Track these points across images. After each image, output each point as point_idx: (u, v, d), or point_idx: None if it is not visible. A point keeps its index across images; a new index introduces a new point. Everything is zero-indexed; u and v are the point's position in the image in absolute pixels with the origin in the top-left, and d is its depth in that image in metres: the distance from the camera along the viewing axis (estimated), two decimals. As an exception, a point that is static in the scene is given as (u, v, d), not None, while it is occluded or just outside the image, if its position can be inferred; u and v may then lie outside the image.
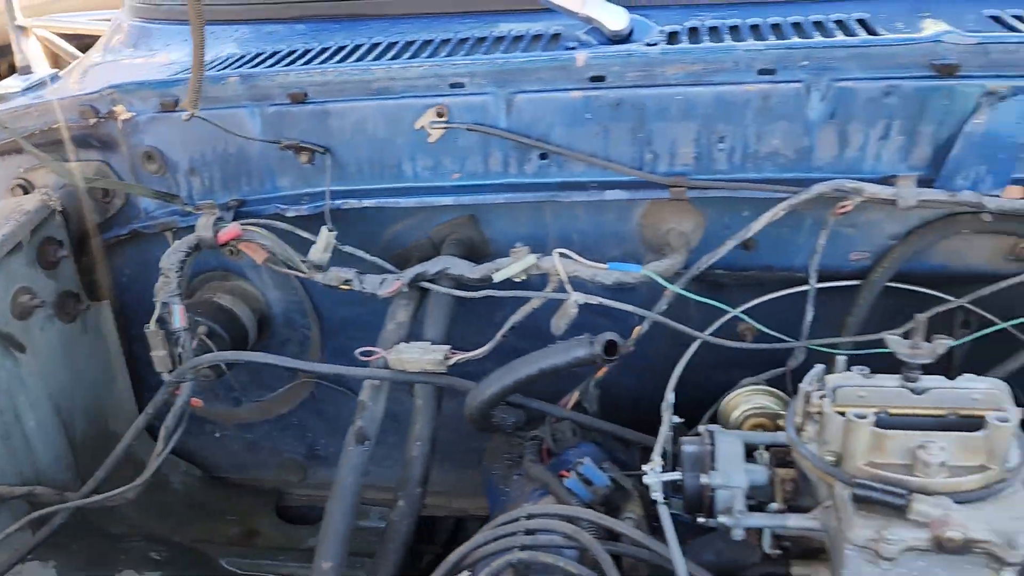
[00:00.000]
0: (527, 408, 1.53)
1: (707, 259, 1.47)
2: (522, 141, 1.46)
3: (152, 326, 1.53)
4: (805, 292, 1.46)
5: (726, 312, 1.49)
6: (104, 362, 1.83)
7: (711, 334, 1.47)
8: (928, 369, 1.10)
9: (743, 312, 1.51)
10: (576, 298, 1.45)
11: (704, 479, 1.14)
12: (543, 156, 1.48)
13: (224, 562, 1.82)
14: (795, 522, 1.11)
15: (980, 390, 1.08)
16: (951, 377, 1.23)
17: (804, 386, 1.15)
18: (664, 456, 1.18)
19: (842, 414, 1.05)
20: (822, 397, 1.10)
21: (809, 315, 1.46)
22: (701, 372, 1.39)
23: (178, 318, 1.52)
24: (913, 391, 1.09)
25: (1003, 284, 1.41)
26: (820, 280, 1.54)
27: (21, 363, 1.61)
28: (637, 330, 1.52)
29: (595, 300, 1.45)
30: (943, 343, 1.10)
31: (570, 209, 1.58)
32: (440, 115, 1.48)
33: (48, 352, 1.69)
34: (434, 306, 1.56)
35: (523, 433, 1.54)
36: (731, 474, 1.14)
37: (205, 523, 1.89)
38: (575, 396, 1.57)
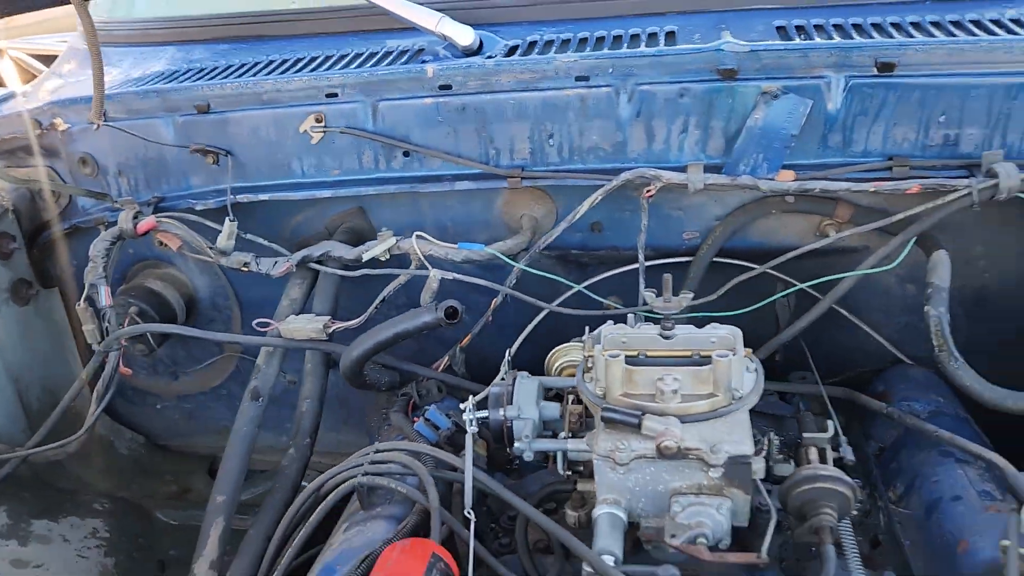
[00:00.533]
0: (400, 369, 1.79)
1: (544, 240, 1.73)
2: (386, 141, 1.73)
3: (82, 304, 1.81)
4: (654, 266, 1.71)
5: (572, 286, 1.76)
6: (56, 340, 2.11)
7: (559, 305, 1.73)
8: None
9: (585, 287, 1.78)
10: (434, 274, 1.71)
11: (503, 413, 1.40)
12: (406, 154, 1.74)
13: (160, 514, 2.09)
14: (572, 445, 1.36)
15: (718, 335, 1.33)
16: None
17: (587, 337, 1.40)
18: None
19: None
20: (595, 344, 1.36)
21: (642, 286, 1.70)
22: (563, 336, 1.65)
23: (103, 297, 1.79)
24: (665, 337, 1.34)
25: (793, 253, 1.65)
26: (660, 257, 1.80)
27: (-24, 340, 1.89)
28: (494, 302, 1.79)
29: (451, 276, 1.72)
30: (687, 296, 1.36)
31: (442, 200, 1.84)
32: (319, 120, 1.74)
33: (4, 331, 1.97)
34: (321, 284, 1.83)
35: (398, 392, 1.80)
36: (525, 408, 1.40)
37: (145, 482, 2.17)
38: (445, 360, 1.83)
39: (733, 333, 1.33)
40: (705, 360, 1.29)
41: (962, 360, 1.47)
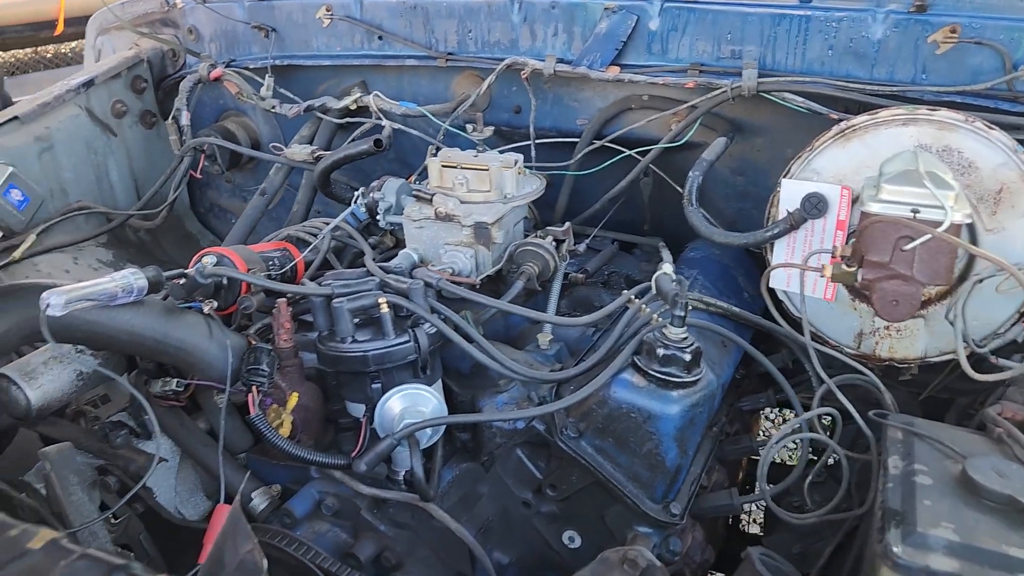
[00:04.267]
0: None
1: (462, 107, 2.40)
2: (367, 27, 2.49)
3: (169, 120, 2.73)
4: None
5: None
6: (168, 158, 3.06)
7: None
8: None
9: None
10: (388, 124, 2.45)
11: (373, 196, 2.13)
12: (380, 37, 2.49)
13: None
14: (398, 215, 2.07)
15: (503, 157, 1.98)
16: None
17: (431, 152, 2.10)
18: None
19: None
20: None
21: (532, 158, 2.35)
22: None
23: (184, 118, 2.70)
24: (475, 156, 2.01)
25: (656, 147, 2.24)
26: (561, 137, 2.43)
27: (113, 142, 2.86)
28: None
29: (397, 125, 2.45)
30: (488, 129, 2.02)
31: (417, 77, 2.57)
32: (328, 10, 2.53)
33: (133, 142, 2.93)
34: (322, 128, 2.63)
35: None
36: (387, 196, 2.12)
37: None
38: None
39: (516, 158, 1.99)
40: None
41: (696, 206, 2.00)
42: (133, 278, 1.46)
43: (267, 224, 2.74)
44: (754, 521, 2.74)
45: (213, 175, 2.99)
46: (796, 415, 1.86)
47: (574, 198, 2.42)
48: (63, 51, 6.88)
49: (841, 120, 1.85)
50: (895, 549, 1.24)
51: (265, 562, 1.07)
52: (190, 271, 1.63)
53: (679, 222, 2.42)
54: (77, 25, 6.15)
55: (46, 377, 1.66)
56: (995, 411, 1.55)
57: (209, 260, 1.70)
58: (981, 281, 1.58)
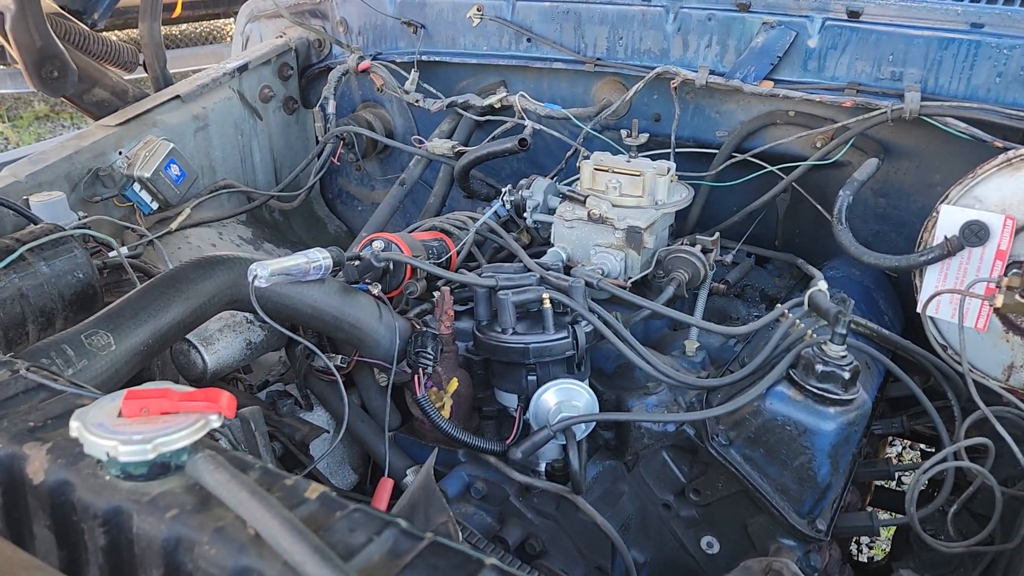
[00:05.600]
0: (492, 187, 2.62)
1: (607, 112, 2.44)
2: (517, 29, 2.55)
3: (316, 108, 2.84)
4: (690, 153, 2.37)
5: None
6: (306, 144, 3.19)
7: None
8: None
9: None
10: (529, 124, 2.51)
11: (521, 194, 2.19)
12: (528, 40, 2.55)
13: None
14: (547, 215, 2.12)
15: (656, 165, 2.02)
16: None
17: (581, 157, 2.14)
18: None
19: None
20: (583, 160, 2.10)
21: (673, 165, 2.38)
22: None
23: (330, 106, 2.82)
24: (627, 161, 2.05)
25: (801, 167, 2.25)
26: (700, 147, 2.45)
27: (258, 125, 3.00)
28: (567, 155, 2.55)
29: (538, 126, 2.51)
30: (643, 136, 2.06)
31: (556, 80, 2.63)
32: (479, 10, 2.60)
33: (275, 126, 3.07)
34: (462, 123, 2.70)
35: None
36: (535, 194, 2.17)
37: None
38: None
39: (669, 166, 2.02)
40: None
41: (845, 225, 2.00)
42: (322, 257, 1.54)
43: (401, 217, 2.84)
44: (869, 547, 2.71)
45: (346, 163, 3.10)
46: (933, 445, 1.85)
47: (706, 210, 2.44)
48: (173, 32, 7.18)
49: (1006, 148, 1.83)
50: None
51: (461, 534, 1.13)
52: (364, 254, 1.72)
53: (811, 240, 2.43)
54: (192, 9, 6.41)
55: (221, 343, 1.77)
56: None
57: (379, 245, 1.78)
58: None
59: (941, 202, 1.86)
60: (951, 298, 1.84)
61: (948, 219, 1.83)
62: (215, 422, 0.82)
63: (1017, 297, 1.53)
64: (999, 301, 1.58)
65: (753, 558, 1.54)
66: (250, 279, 1.39)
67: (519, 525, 1.67)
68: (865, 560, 2.69)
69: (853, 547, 2.73)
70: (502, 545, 1.62)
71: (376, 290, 1.73)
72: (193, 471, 0.80)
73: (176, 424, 0.81)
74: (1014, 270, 1.75)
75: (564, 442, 1.59)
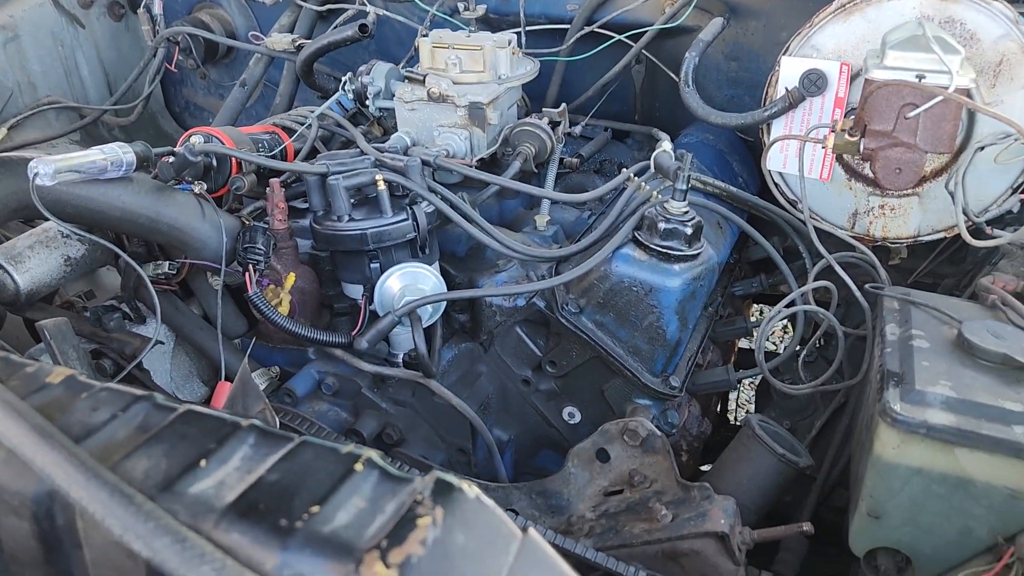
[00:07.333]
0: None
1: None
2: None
3: (141, 10, 2.61)
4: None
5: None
6: (139, 52, 2.94)
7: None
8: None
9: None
10: (373, 10, 2.36)
11: (361, 80, 2.07)
12: None
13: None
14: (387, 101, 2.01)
15: (497, 36, 1.92)
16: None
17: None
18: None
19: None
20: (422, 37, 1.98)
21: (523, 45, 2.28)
22: None
23: (156, 6, 2.59)
24: (467, 36, 1.94)
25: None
26: (552, 23, 2.35)
27: (81, 34, 2.74)
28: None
29: (381, 12, 2.36)
30: (480, 9, 1.96)
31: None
32: None
33: (101, 35, 2.81)
34: (302, 16, 2.52)
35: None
36: (376, 80, 2.06)
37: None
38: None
39: (510, 38, 1.93)
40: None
41: (692, 88, 1.97)
42: (121, 151, 1.41)
43: (246, 122, 2.66)
44: (745, 412, 2.80)
45: (188, 71, 2.88)
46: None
47: (565, 87, 2.37)
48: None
49: (843, -5, 1.81)
50: (894, 407, 1.26)
51: (278, 420, 1.07)
52: (179, 148, 1.58)
53: (671, 111, 2.39)
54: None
55: (33, 261, 1.62)
56: (988, 281, 1.58)
57: (198, 139, 1.65)
58: (982, 148, 1.58)
59: (782, 55, 1.84)
60: (796, 152, 1.85)
61: (788, 71, 1.82)
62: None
63: (847, 136, 1.53)
64: (830, 142, 1.58)
65: (611, 421, 1.54)
66: (31, 177, 1.26)
67: (374, 416, 1.63)
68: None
69: (732, 411, 2.82)
70: (357, 437, 1.57)
71: (199, 188, 1.60)
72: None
73: None
74: (852, 116, 1.76)
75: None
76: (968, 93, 1.64)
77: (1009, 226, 1.69)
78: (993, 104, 1.67)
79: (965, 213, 1.61)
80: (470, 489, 0.62)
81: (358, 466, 0.64)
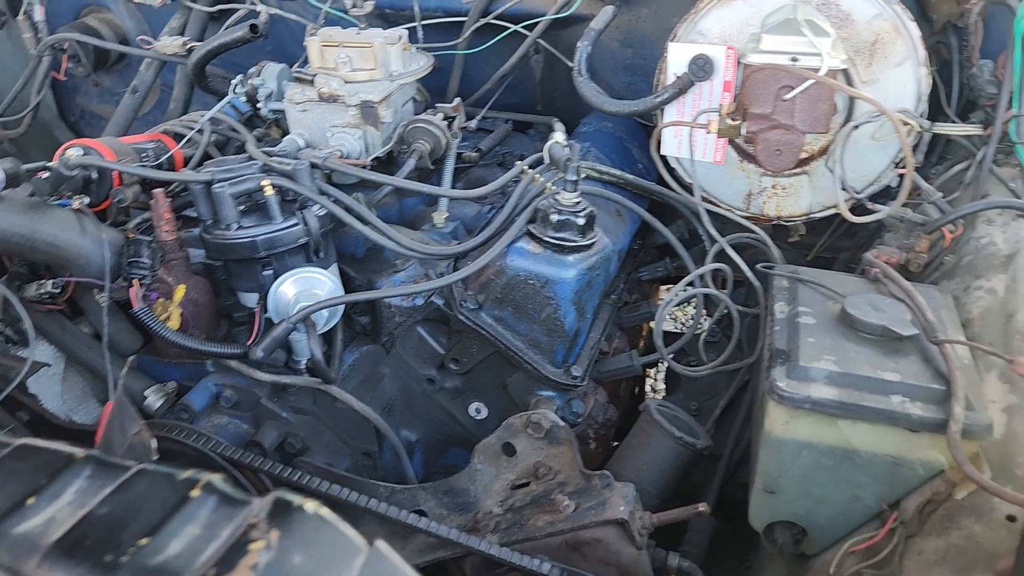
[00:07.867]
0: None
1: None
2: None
3: (21, 16, 2.50)
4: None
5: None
6: (23, 60, 2.82)
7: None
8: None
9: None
10: (264, 9, 2.31)
11: (252, 83, 2.02)
12: None
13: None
14: (278, 103, 1.97)
15: (387, 34, 1.90)
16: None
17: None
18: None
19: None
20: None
21: (420, 39, 2.25)
22: None
23: (38, 13, 2.48)
24: (357, 34, 1.92)
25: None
26: (448, 16, 2.33)
27: (-40, 45, 2.62)
28: None
29: (274, 11, 2.31)
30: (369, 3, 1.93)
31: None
32: None
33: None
34: (193, 18, 2.45)
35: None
36: (268, 82, 2.01)
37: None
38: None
39: (400, 34, 1.91)
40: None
41: (586, 76, 1.98)
42: (-14, 169, 1.35)
43: (143, 128, 2.58)
44: (657, 394, 2.85)
45: (79, 78, 2.78)
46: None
47: (465, 81, 2.36)
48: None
49: (725, -20, 1.84)
50: (780, 384, 1.30)
51: (154, 442, 1.04)
52: (53, 164, 1.52)
53: (572, 101, 2.39)
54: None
55: (-97, 287, 1.54)
56: (872, 255, 1.62)
57: (74, 152, 1.59)
58: (857, 127, 1.62)
59: (669, 41, 1.86)
60: (688, 137, 1.87)
61: (676, 56, 1.84)
62: None
63: (729, 121, 1.56)
64: (714, 127, 1.61)
65: (516, 415, 1.54)
66: None
67: (275, 426, 1.60)
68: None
69: (649, 395, 2.87)
70: (257, 449, 1.54)
71: (79, 203, 1.54)
72: None
73: None
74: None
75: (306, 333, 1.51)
76: (845, 73, 1.69)
77: (891, 200, 1.75)
78: (870, 82, 1.72)
79: (845, 189, 1.65)
80: (310, 506, 0.61)
81: (194, 492, 0.62)
